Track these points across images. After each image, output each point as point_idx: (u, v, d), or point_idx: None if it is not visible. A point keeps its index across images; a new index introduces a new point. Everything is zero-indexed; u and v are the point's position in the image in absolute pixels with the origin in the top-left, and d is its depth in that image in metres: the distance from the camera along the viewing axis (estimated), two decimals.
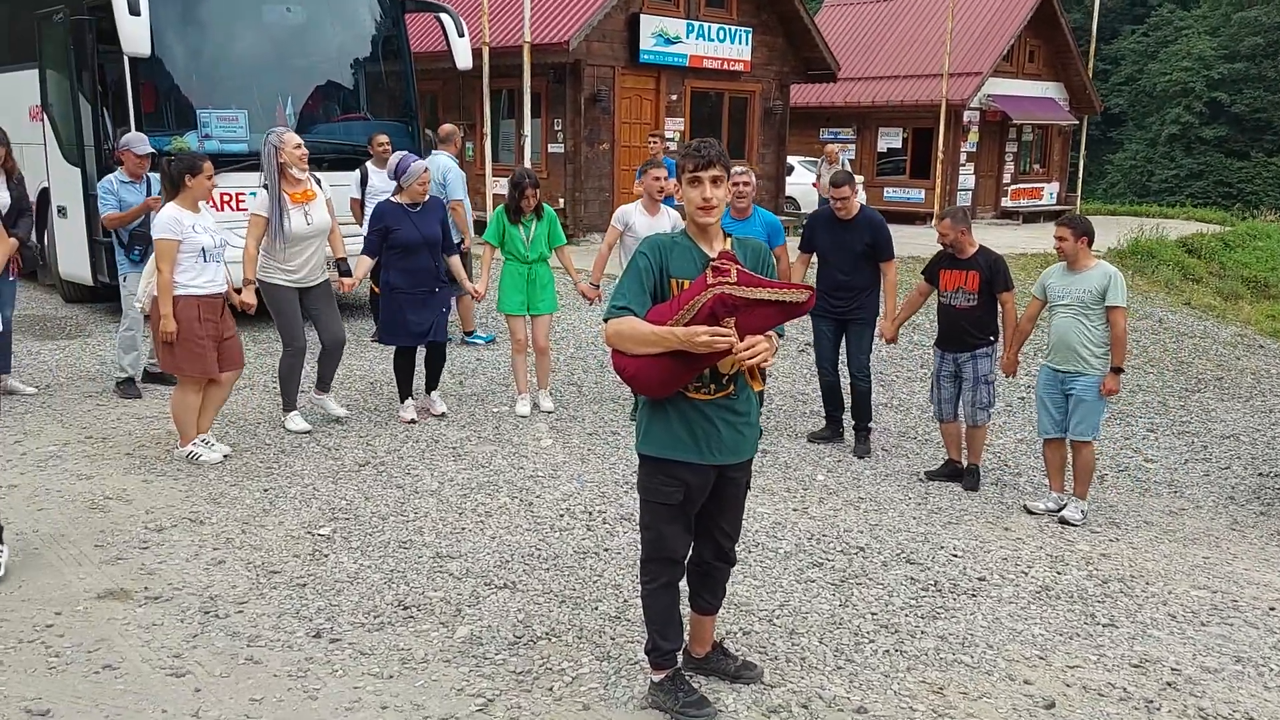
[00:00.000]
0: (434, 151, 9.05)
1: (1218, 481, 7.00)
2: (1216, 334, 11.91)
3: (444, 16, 10.04)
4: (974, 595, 4.56)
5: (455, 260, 6.93)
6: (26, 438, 6.14)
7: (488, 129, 14.38)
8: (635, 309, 3.08)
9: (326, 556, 4.64)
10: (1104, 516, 5.93)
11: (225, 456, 5.86)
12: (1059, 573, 4.91)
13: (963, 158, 21.74)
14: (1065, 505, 5.86)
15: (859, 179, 19.39)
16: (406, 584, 4.38)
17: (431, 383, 7.00)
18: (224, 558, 4.58)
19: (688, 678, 3.48)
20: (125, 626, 3.92)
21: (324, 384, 6.70)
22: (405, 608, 4.16)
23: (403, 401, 6.84)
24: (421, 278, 6.54)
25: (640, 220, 6.77)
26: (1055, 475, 6.00)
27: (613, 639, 3.94)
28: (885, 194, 22.22)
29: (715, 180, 3.14)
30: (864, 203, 6.93)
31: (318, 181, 6.35)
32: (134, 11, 7.84)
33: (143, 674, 3.59)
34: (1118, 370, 5.76)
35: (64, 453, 5.90)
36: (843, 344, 6.80)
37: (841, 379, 6.91)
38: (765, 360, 2.99)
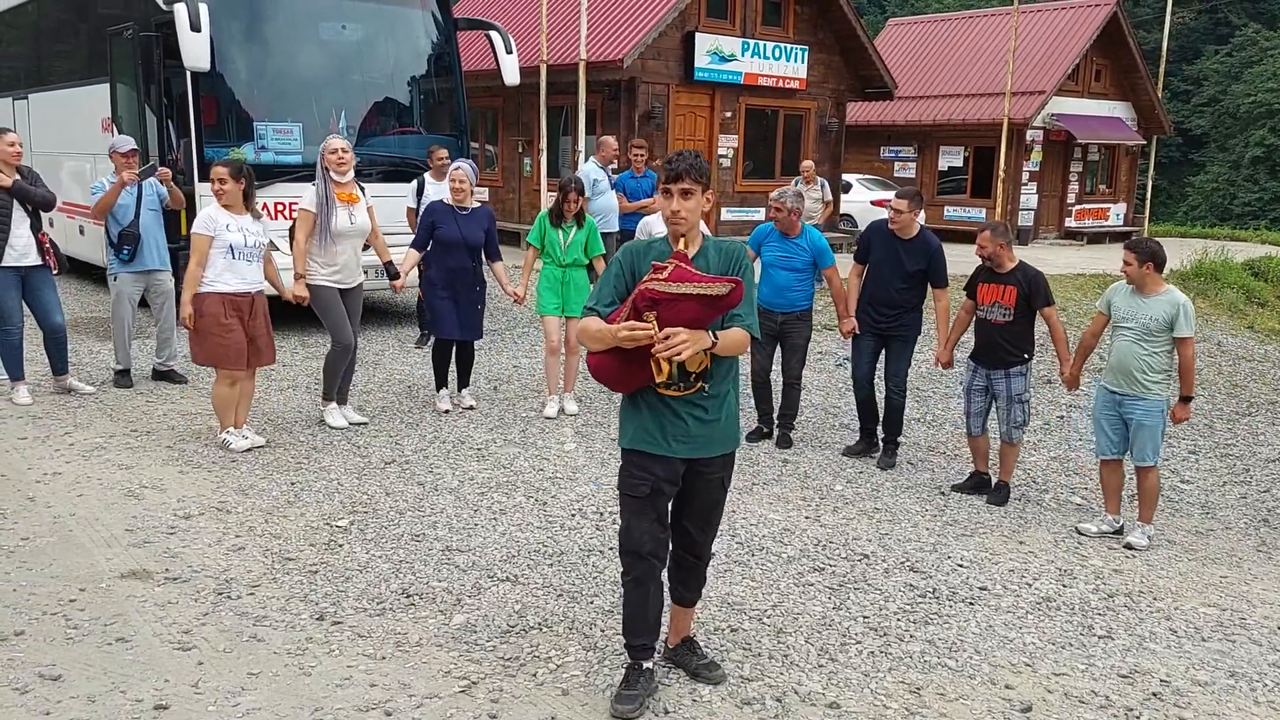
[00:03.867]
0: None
1: (1254, 504, 6.84)
2: (1277, 358, 11.59)
3: (493, 34, 10.32)
4: (971, 603, 4.56)
5: (499, 266, 7.23)
6: (76, 429, 6.47)
7: (544, 145, 14.65)
8: (600, 310, 3.28)
9: (341, 546, 4.82)
10: (1151, 541, 5.84)
11: (252, 447, 6.15)
12: (1065, 585, 4.87)
13: (1025, 177, 21.45)
14: (1121, 528, 5.78)
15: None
16: (413, 574, 4.54)
17: (463, 380, 7.39)
18: (244, 544, 4.79)
19: (648, 673, 3.53)
20: (142, 604, 4.14)
21: (341, 396, 6.93)
22: (408, 595, 4.32)
23: (438, 390, 7.27)
24: (457, 276, 6.95)
25: (662, 229, 6.91)
26: (1111, 497, 5.86)
27: (602, 631, 4.03)
28: (945, 213, 22.01)
29: (685, 193, 3.24)
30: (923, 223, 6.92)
31: (362, 189, 6.70)
32: (195, 28, 8.22)
33: (152, 647, 3.79)
34: (1187, 399, 5.67)
35: (109, 444, 6.20)
36: (885, 360, 6.81)
37: (877, 392, 6.93)
38: (680, 353, 3.06)
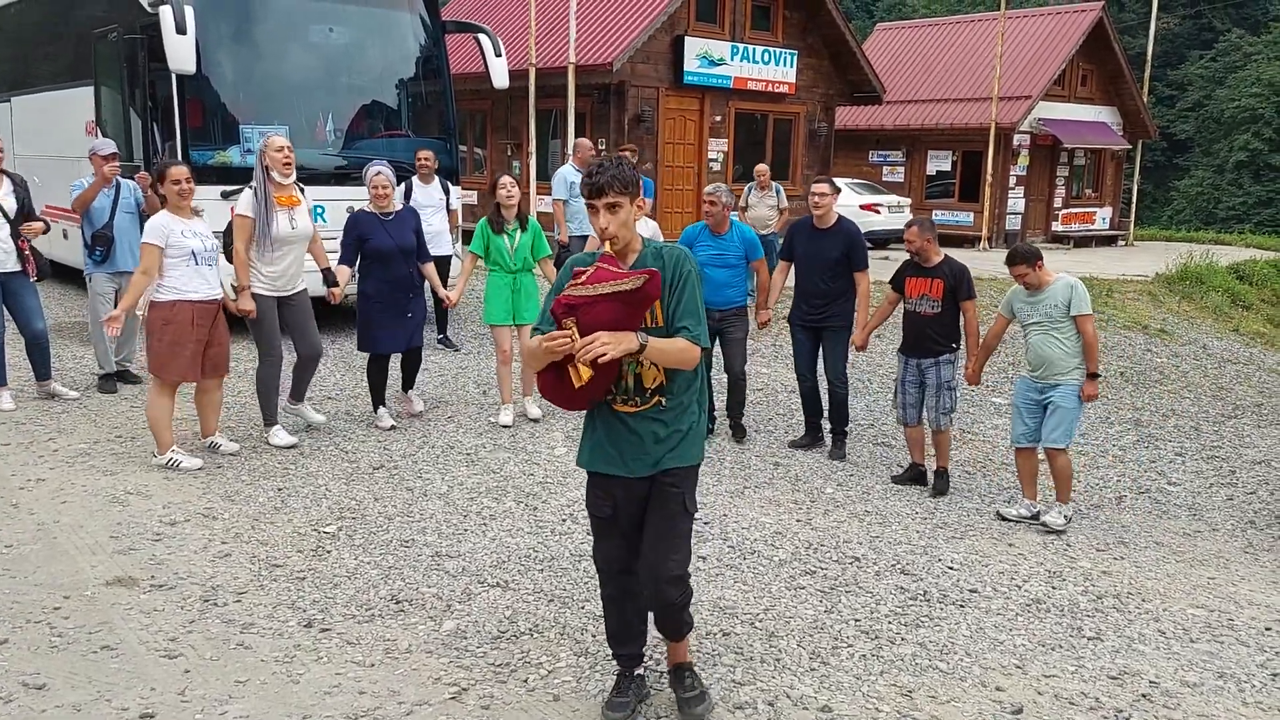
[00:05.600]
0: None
1: (1240, 506, 6.88)
2: (1262, 361, 11.67)
3: (482, 37, 10.29)
4: (962, 606, 4.55)
5: (430, 268, 7.03)
6: (60, 435, 6.41)
7: (533, 148, 14.63)
8: (544, 328, 3.09)
9: (329, 552, 4.78)
10: (1114, 536, 5.87)
11: (230, 455, 6.05)
12: (1054, 587, 4.88)
13: (1012, 181, 21.52)
14: (1038, 513, 5.97)
15: (898, 199, 19.27)
16: (402, 580, 4.51)
17: (408, 383, 7.18)
18: (231, 551, 4.75)
19: (639, 680, 3.50)
20: (128, 611, 4.09)
21: (298, 394, 6.69)
22: (397, 602, 4.28)
23: (376, 410, 6.93)
24: (397, 285, 6.68)
25: (645, 229, 6.90)
26: (1028, 483, 6.13)
27: (594, 636, 4.01)
28: (934, 217, 22.06)
29: (611, 207, 3.04)
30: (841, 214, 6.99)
31: (301, 190, 6.39)
32: (180, 30, 8.16)
33: (138, 655, 3.75)
34: (1093, 375, 5.83)
35: (93, 450, 6.15)
36: (822, 354, 6.94)
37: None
38: (600, 355, 2.87)
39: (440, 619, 4.14)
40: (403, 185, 9.07)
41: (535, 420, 7.22)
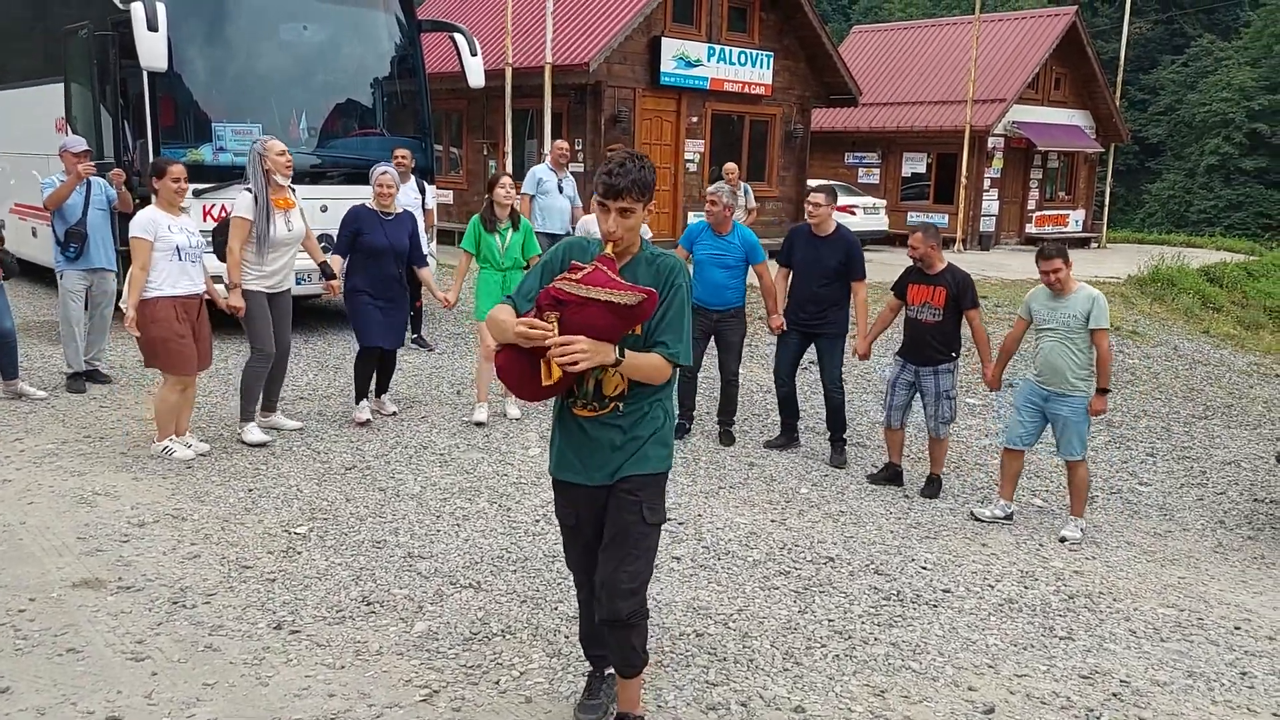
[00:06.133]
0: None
1: (1211, 506, 6.94)
2: (1232, 362, 11.79)
3: (457, 36, 10.25)
4: (935, 606, 4.57)
5: (425, 271, 7.16)
6: (27, 436, 6.32)
7: (509, 148, 14.58)
8: (517, 300, 3.02)
9: (300, 554, 4.74)
10: (1086, 536, 5.91)
11: (200, 455, 6.01)
12: (1026, 587, 4.90)
13: (986, 184, 21.67)
14: (1011, 513, 6.02)
15: (873, 201, 19.32)
16: (374, 581, 4.47)
17: (382, 386, 7.21)
18: (200, 552, 4.69)
19: (610, 680, 3.46)
20: (94, 613, 4.03)
21: (270, 404, 6.69)
22: (369, 603, 4.25)
23: (358, 403, 6.98)
24: (385, 284, 6.76)
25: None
26: (1009, 483, 6.13)
27: (566, 638, 3.99)
28: (909, 218, 22.18)
29: (624, 211, 2.93)
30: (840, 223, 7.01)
31: (293, 191, 6.45)
32: (152, 27, 8.08)
33: (104, 658, 3.70)
34: (1104, 391, 5.79)
35: (61, 450, 6.07)
36: (818, 360, 6.96)
37: (800, 391, 6.98)
38: (575, 361, 2.78)
39: (412, 620, 4.11)
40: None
41: (514, 419, 7.20)
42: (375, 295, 6.74)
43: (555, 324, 2.84)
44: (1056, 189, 24.08)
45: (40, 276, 10.96)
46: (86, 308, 7.59)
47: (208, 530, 4.96)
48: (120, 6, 8.46)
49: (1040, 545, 5.63)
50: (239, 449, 6.23)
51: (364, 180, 9.20)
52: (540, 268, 3.07)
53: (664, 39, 16.30)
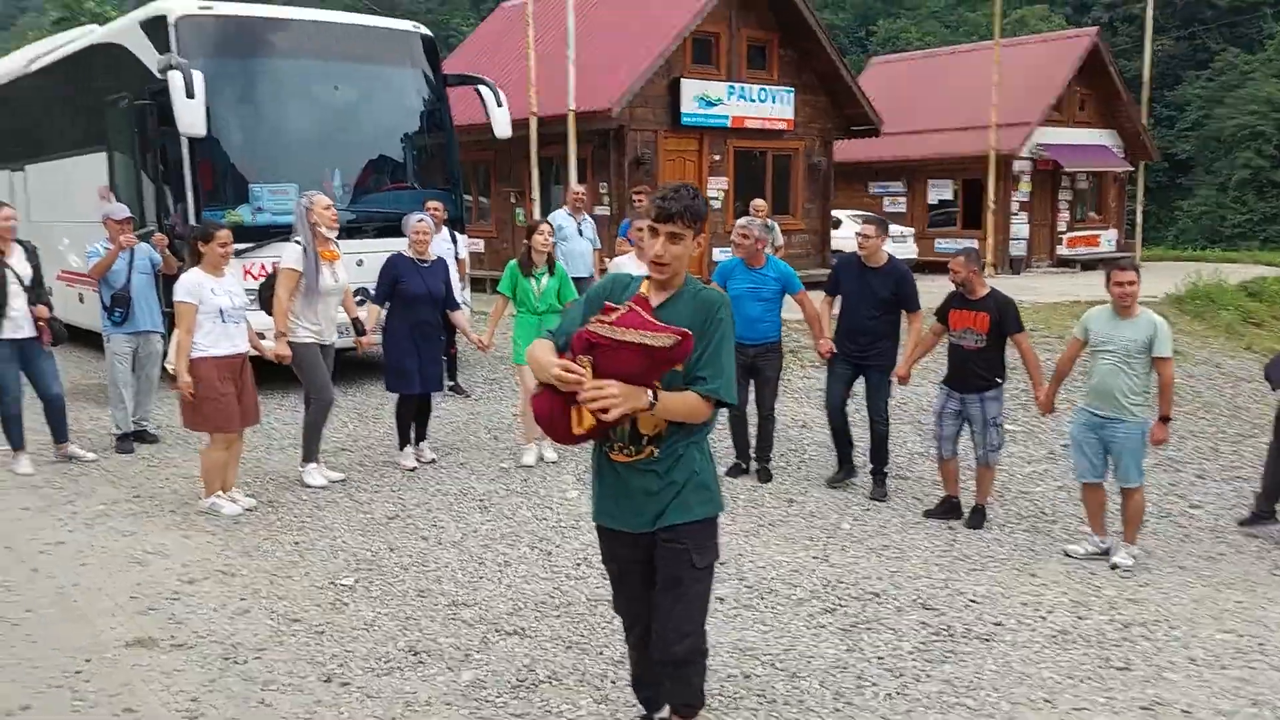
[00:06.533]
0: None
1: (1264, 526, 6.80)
2: None
3: (483, 89, 10.45)
4: (987, 640, 4.51)
5: (459, 315, 7.33)
6: (79, 498, 6.44)
7: (535, 195, 14.75)
8: (556, 337, 3.01)
9: (346, 605, 4.78)
10: (1138, 563, 5.81)
11: (247, 510, 6.09)
12: (1080, 617, 4.83)
13: (1015, 207, 21.57)
14: (1109, 549, 5.78)
15: (900, 230, 19.29)
16: (419, 630, 4.49)
17: (421, 434, 7.33)
18: (250, 608, 4.74)
19: None
20: (148, 672, 4.09)
21: (310, 454, 6.79)
22: (415, 653, 4.27)
23: (401, 449, 7.13)
24: (422, 330, 6.93)
25: (633, 268, 6.98)
26: (1095, 519, 5.92)
27: (614, 683, 3.98)
28: (937, 245, 22.11)
29: (673, 236, 2.91)
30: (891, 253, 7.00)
31: (336, 245, 6.65)
32: (190, 95, 8.30)
33: (159, 716, 3.75)
34: (1166, 419, 5.69)
35: (111, 511, 6.17)
36: (865, 392, 6.88)
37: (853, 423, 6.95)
38: (608, 408, 2.74)
39: (459, 669, 4.12)
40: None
41: (551, 462, 7.24)
42: (411, 341, 6.89)
43: (588, 368, 2.80)
44: (1087, 209, 23.92)
45: (87, 341, 11.19)
46: (133, 370, 7.74)
47: (256, 585, 5.01)
48: (158, 76, 8.70)
49: (1092, 574, 5.54)
50: (285, 503, 6.31)
51: (398, 233, 9.37)
52: (582, 304, 3.09)
53: (684, 80, 16.47)
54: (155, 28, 9.23)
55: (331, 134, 9.92)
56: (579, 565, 5.31)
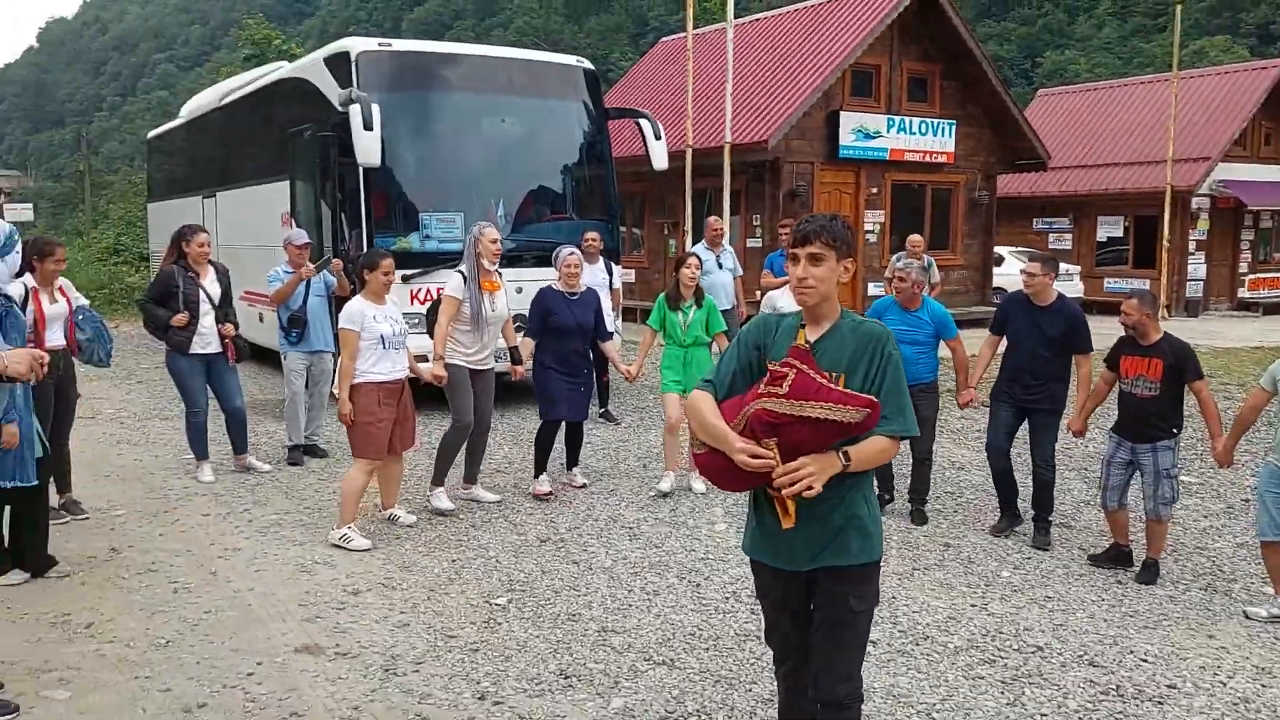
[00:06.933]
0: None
1: None
2: None
3: (643, 121, 10.65)
4: (1160, 703, 4.25)
5: (609, 345, 7.43)
6: (254, 507, 6.83)
7: (688, 226, 14.88)
8: (715, 385, 2.95)
9: (500, 625, 4.89)
10: None
11: (408, 526, 6.27)
12: (1263, 685, 4.49)
13: (1192, 246, 20.48)
14: None
15: (1067, 267, 18.56)
16: (570, 654, 4.55)
17: (572, 460, 7.48)
18: (409, 621, 4.91)
19: None
20: (314, 679, 4.28)
21: (471, 477, 7.04)
22: (566, 677, 4.33)
23: (537, 476, 7.22)
24: (571, 360, 7.09)
25: (786, 303, 6.94)
26: (1279, 580, 5.52)
27: None
28: (1106, 284, 21.16)
29: (814, 258, 2.84)
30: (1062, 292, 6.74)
31: (499, 274, 6.88)
32: (368, 127, 8.78)
33: None
34: None
35: (284, 520, 6.51)
36: (1030, 436, 6.61)
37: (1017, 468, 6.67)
38: (804, 491, 2.68)
39: (608, 696, 4.15)
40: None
41: (699, 493, 7.25)
42: (561, 370, 7.05)
43: (775, 449, 2.70)
44: (1271, 250, 22.46)
45: (265, 358, 11.90)
46: (307, 386, 8.19)
47: (415, 599, 5.19)
48: (339, 109, 9.22)
49: (1276, 639, 5.15)
50: (442, 520, 6.52)
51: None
52: (734, 351, 3.02)
53: (843, 113, 16.38)
54: (338, 63, 9.81)
55: (497, 165, 10.29)
56: (728, 599, 5.28)
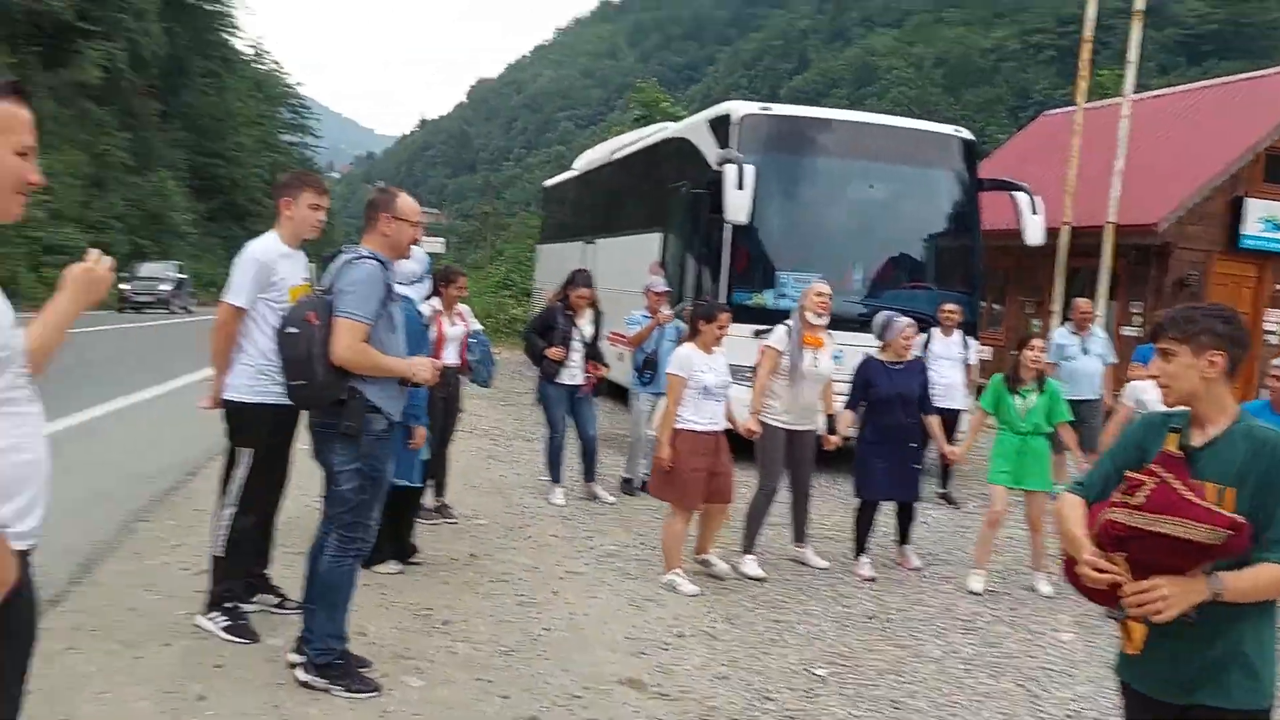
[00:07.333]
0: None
1: None
2: None
3: (1019, 195, 10.20)
4: None
5: (933, 420, 6.99)
6: (596, 535, 7.22)
7: (1055, 307, 14.00)
8: (1089, 489, 2.72)
9: (819, 696, 4.79)
10: None
11: (698, 594, 6.13)
12: None
13: None
14: None
15: None
16: None
17: (902, 538, 7.12)
18: (728, 674, 4.95)
19: None
20: (635, 714, 4.41)
21: (800, 533, 6.93)
22: None
23: (856, 557, 6.93)
24: (893, 434, 6.76)
25: (1152, 396, 6.29)
26: None
27: None
28: None
29: (1164, 354, 2.60)
30: None
31: (829, 335, 6.78)
32: (740, 186, 9.13)
33: None
34: None
35: (621, 553, 6.83)
36: None
37: None
38: (1156, 614, 2.41)
39: None
40: (922, 336, 9.17)
41: (1046, 596, 6.72)
42: (881, 445, 6.79)
43: (1124, 565, 2.46)
44: None
45: (620, 395, 12.58)
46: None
47: (735, 654, 5.22)
48: (714, 168, 9.66)
49: None
50: (772, 579, 6.52)
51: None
52: (1115, 447, 2.77)
53: (1248, 199, 14.73)
54: (719, 125, 10.29)
55: (861, 229, 10.30)
56: (1069, 717, 4.84)
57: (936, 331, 9.24)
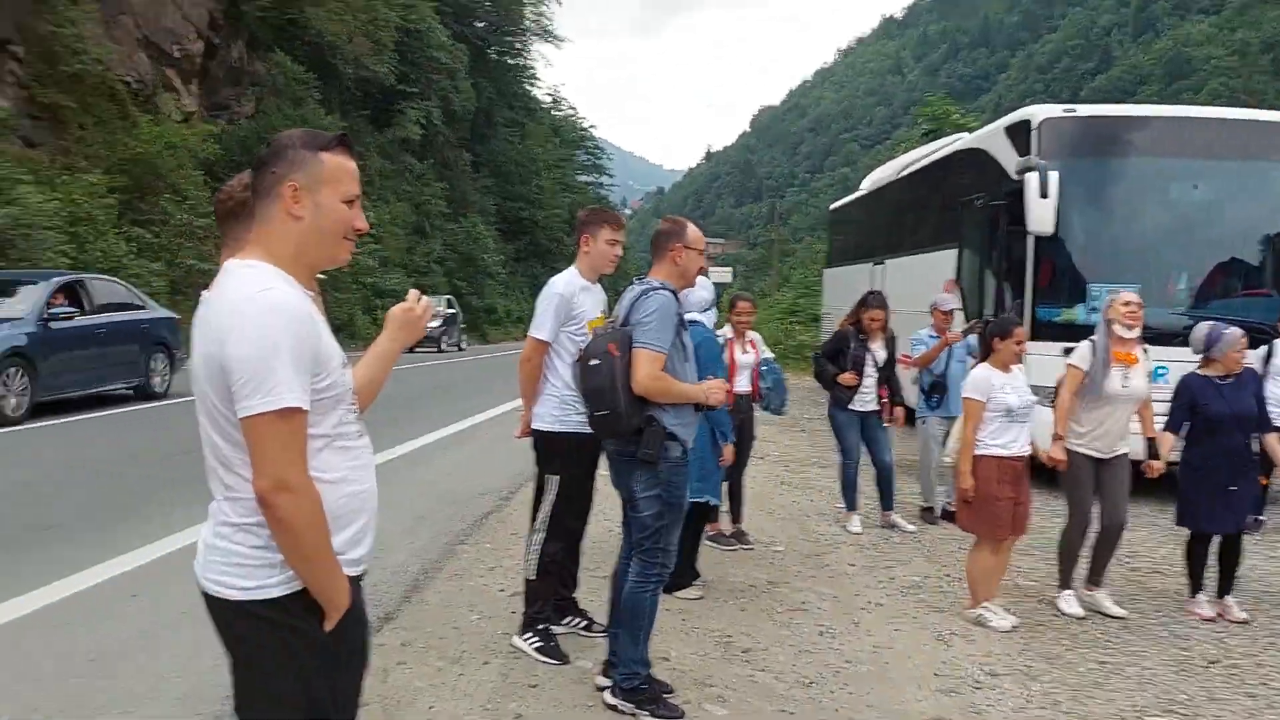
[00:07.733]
0: None
1: None
2: None
3: None
4: None
5: (1271, 438, 6.13)
6: (897, 565, 6.98)
7: None
8: None
9: None
10: None
11: (1014, 626, 5.78)
12: None
13: None
14: None
15: None
16: None
17: (1225, 586, 6.20)
18: (1050, 718, 4.60)
19: None
20: None
21: (1096, 578, 6.24)
22: None
23: (1192, 595, 6.19)
24: (1223, 458, 5.96)
25: None
26: None
27: None
28: None
29: None
30: None
31: (1145, 351, 6.12)
32: (1044, 195, 8.60)
33: None
34: None
35: (924, 584, 6.55)
36: None
37: None
38: None
39: None
40: (1262, 348, 8.20)
41: None
42: (1210, 471, 6.01)
43: None
44: None
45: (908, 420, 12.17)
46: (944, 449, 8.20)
47: (1056, 696, 4.84)
48: (1014, 178, 9.15)
49: None
50: (1091, 616, 6.02)
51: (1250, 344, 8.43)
52: None
53: None
54: (1017, 132, 9.75)
55: (1182, 234, 9.37)
56: None
57: (1278, 342, 8.21)
